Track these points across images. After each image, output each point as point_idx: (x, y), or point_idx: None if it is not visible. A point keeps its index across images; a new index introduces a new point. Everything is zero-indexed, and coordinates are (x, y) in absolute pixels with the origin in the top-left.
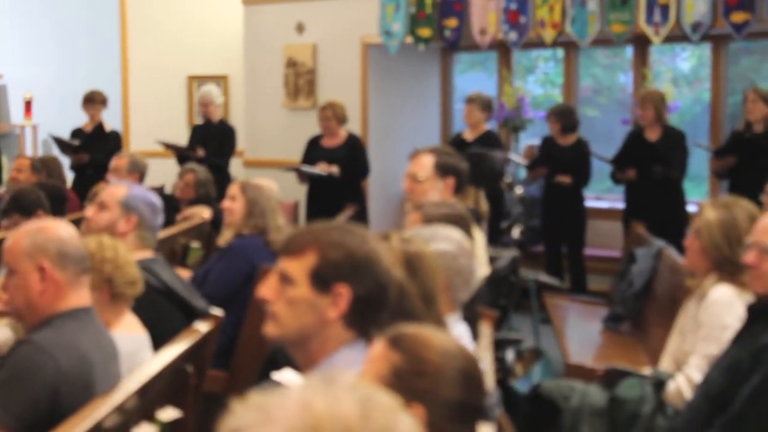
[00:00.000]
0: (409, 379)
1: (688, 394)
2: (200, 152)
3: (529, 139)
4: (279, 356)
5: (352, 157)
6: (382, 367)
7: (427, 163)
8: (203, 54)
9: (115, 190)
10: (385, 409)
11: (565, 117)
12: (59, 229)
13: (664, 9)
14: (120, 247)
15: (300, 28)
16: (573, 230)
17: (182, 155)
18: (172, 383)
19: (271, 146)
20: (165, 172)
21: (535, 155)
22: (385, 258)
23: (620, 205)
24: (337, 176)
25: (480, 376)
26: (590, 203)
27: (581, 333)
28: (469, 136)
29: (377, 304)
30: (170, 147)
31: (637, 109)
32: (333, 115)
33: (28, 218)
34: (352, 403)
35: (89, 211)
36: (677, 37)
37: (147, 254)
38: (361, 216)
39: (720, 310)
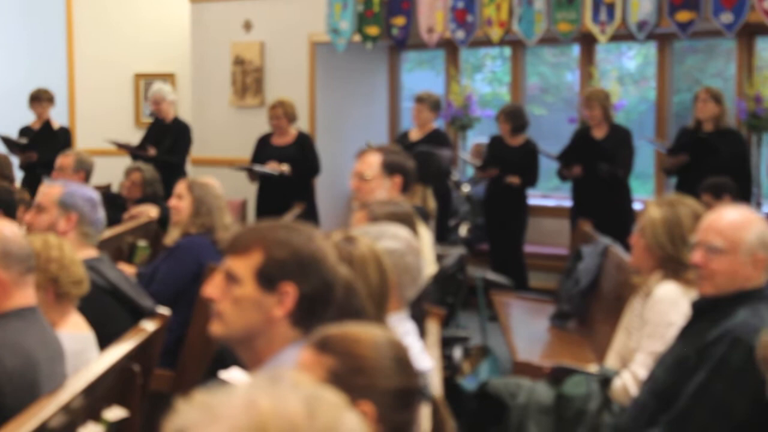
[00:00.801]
0: (349, 379)
1: (633, 390)
2: (151, 151)
3: (477, 138)
4: (226, 355)
5: (303, 155)
6: (317, 373)
7: (374, 162)
8: (150, 52)
9: (50, 190)
10: (331, 406)
11: (515, 118)
12: (2, 228)
13: (610, 8)
14: (66, 247)
15: (247, 26)
16: (513, 228)
17: (134, 155)
18: (119, 382)
19: (218, 144)
20: (112, 171)
21: (484, 155)
22: (331, 256)
23: (567, 203)
24: (288, 175)
25: (410, 358)
26: (537, 201)
27: (528, 330)
28: (416, 134)
29: (323, 302)
30: (122, 147)
31: (583, 110)
32: (283, 113)
33: None
34: (297, 402)
35: (28, 215)
36: (623, 35)
37: (92, 253)
38: (311, 214)
39: (665, 308)
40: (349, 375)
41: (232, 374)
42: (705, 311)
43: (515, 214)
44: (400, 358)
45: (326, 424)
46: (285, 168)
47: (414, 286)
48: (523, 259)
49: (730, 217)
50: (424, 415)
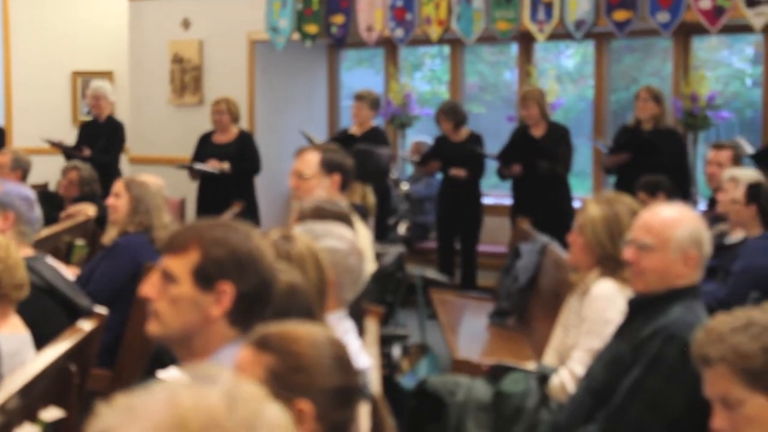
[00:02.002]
0: (289, 377)
1: (571, 387)
2: (86, 152)
3: (416, 136)
4: (164, 355)
5: (243, 153)
6: (256, 372)
7: (312, 161)
8: (88, 50)
9: None
10: (251, 398)
11: (454, 114)
12: None
13: (548, 7)
14: (12, 248)
15: (186, 23)
16: (468, 226)
17: (69, 154)
18: (55, 383)
19: (157, 143)
20: (49, 170)
21: (425, 151)
22: (269, 255)
23: (507, 201)
24: (228, 173)
25: (349, 356)
26: None
27: (468, 328)
28: (355, 132)
29: (261, 301)
30: (57, 146)
31: (521, 109)
32: (226, 109)
33: None
34: (217, 396)
35: None
36: (561, 34)
37: (29, 252)
38: (251, 213)
39: (602, 305)
40: (289, 373)
41: (170, 374)
42: (641, 309)
43: (470, 212)
44: (340, 357)
45: (246, 416)
46: (225, 166)
47: (354, 287)
48: (476, 258)
49: (661, 215)
50: (364, 413)
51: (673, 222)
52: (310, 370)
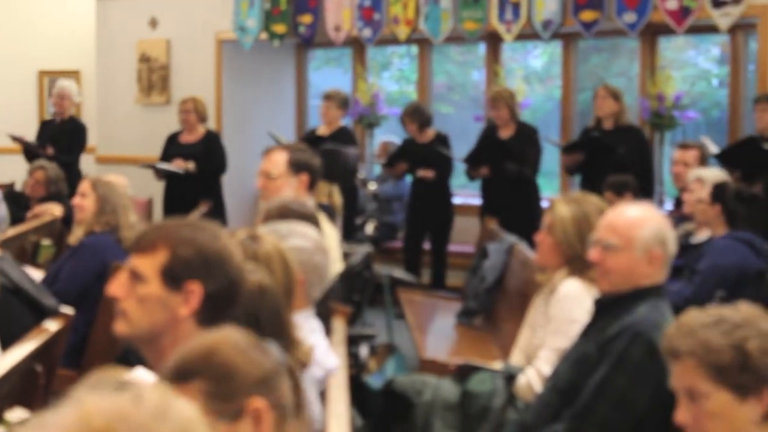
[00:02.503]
0: (224, 389)
1: (537, 387)
2: (50, 150)
3: (384, 136)
4: (131, 355)
5: (209, 153)
6: (195, 400)
7: (280, 160)
8: (55, 49)
9: None
10: (158, 394)
11: (418, 115)
12: None
13: (516, 7)
14: None
15: (153, 23)
16: (439, 226)
17: (31, 151)
18: (21, 383)
19: (124, 142)
20: (15, 169)
21: (392, 151)
22: (237, 255)
23: (476, 201)
24: (194, 172)
25: (257, 340)
26: None
27: (435, 328)
28: (323, 131)
29: (229, 301)
30: (19, 141)
31: (490, 110)
32: (193, 108)
33: None
34: (124, 396)
35: None
36: (529, 35)
37: None
38: (218, 212)
39: (569, 305)
40: (222, 386)
41: (137, 374)
42: (607, 308)
43: (441, 212)
44: (255, 344)
45: (155, 408)
46: (190, 166)
47: (320, 285)
48: (446, 258)
49: (625, 214)
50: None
51: (637, 222)
52: (241, 369)
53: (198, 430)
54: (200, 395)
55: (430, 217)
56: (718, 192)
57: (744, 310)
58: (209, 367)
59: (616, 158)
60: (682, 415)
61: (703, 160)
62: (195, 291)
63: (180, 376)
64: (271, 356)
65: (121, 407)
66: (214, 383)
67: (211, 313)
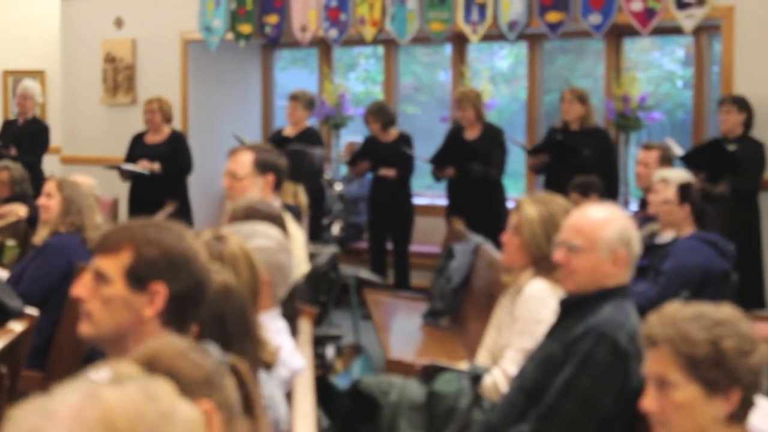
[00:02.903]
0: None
1: (503, 387)
2: (12, 151)
3: (350, 136)
4: (96, 355)
5: (175, 153)
6: None
7: (245, 161)
8: (19, 49)
9: None
10: (166, 393)
11: (381, 114)
12: None
13: (482, 8)
14: None
15: (119, 23)
16: (400, 226)
17: None
18: None
19: (89, 143)
20: None
21: (355, 151)
22: (202, 255)
23: (442, 201)
24: (159, 173)
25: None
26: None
27: (401, 328)
28: (290, 131)
29: (194, 302)
30: None
31: (456, 110)
32: (159, 108)
33: None
34: (137, 390)
35: None
36: (495, 35)
37: None
38: (184, 213)
39: (535, 305)
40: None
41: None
42: (572, 308)
43: (401, 213)
44: (193, 346)
45: (166, 408)
46: (155, 167)
47: (285, 283)
48: (408, 258)
49: (589, 215)
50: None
51: (601, 223)
52: (184, 373)
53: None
54: None
55: (391, 217)
56: (685, 192)
57: (725, 310)
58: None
59: (580, 160)
60: (648, 402)
61: (665, 160)
62: (160, 292)
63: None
64: (210, 357)
65: (139, 405)
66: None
67: (176, 314)
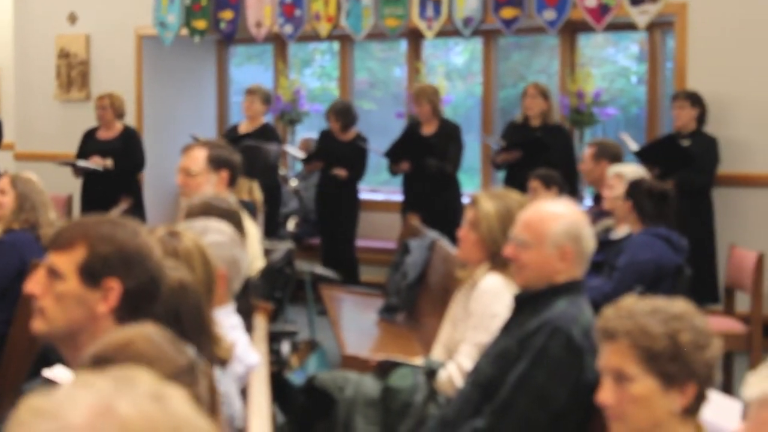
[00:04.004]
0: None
1: (458, 382)
2: None
3: (306, 132)
4: (50, 353)
5: (127, 150)
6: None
7: (199, 157)
8: None
9: None
10: (179, 400)
11: (344, 115)
12: None
13: (437, 4)
14: None
15: (72, 18)
16: (345, 222)
17: None
18: None
19: (43, 139)
20: None
21: (311, 149)
22: (156, 252)
23: (397, 197)
24: (111, 169)
25: (173, 337)
26: (367, 195)
27: (357, 324)
28: (246, 127)
29: (148, 298)
30: None
31: (412, 106)
32: (110, 104)
33: None
34: (151, 402)
35: None
36: (450, 31)
37: None
38: (138, 209)
39: (489, 299)
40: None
41: (57, 372)
42: (526, 303)
43: (346, 209)
44: (170, 339)
45: (179, 417)
46: (108, 163)
47: (239, 278)
48: (355, 254)
49: (538, 211)
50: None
51: (548, 218)
52: (156, 363)
53: None
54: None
55: (336, 213)
56: (632, 188)
57: (680, 304)
58: (123, 357)
59: (547, 157)
60: (605, 395)
61: (599, 156)
62: (113, 288)
63: (96, 363)
64: (185, 354)
65: (153, 416)
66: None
67: (130, 311)
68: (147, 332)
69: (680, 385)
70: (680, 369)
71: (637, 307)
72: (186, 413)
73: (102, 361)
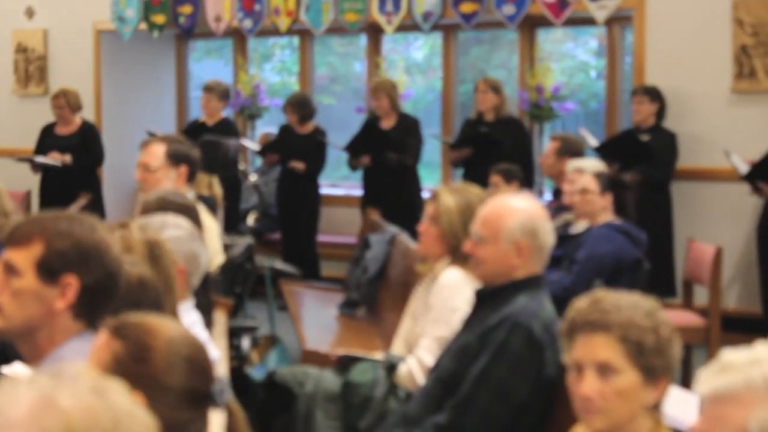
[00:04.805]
0: (132, 366)
1: (419, 376)
2: None
3: (266, 127)
4: (8, 350)
5: (86, 145)
6: (104, 356)
7: (158, 152)
8: None
9: None
10: (120, 393)
11: (301, 107)
12: None
13: None
14: None
15: (30, 12)
16: (306, 217)
17: None
18: None
19: (1, 134)
20: None
21: (268, 142)
22: (114, 247)
23: (357, 192)
24: (70, 165)
25: (207, 362)
26: (327, 190)
27: (318, 319)
28: (206, 122)
29: (107, 294)
30: None
31: (371, 100)
32: (66, 102)
33: None
34: (89, 393)
35: None
36: (410, 26)
37: None
38: (97, 205)
39: (449, 293)
40: (132, 363)
41: (15, 369)
42: (487, 299)
43: (308, 204)
44: (193, 359)
45: (120, 410)
46: (67, 158)
47: (198, 273)
48: (316, 249)
49: (495, 207)
50: (217, 421)
51: (504, 214)
52: (156, 364)
53: None
54: (113, 355)
55: (298, 208)
56: (609, 182)
57: (647, 299)
58: (137, 341)
59: (501, 152)
60: (587, 388)
61: (564, 152)
62: (71, 284)
63: (116, 329)
64: (199, 382)
65: (96, 409)
66: (128, 355)
67: (88, 307)
68: (175, 335)
69: (657, 380)
70: (662, 363)
71: (622, 301)
72: (126, 406)
73: (118, 330)
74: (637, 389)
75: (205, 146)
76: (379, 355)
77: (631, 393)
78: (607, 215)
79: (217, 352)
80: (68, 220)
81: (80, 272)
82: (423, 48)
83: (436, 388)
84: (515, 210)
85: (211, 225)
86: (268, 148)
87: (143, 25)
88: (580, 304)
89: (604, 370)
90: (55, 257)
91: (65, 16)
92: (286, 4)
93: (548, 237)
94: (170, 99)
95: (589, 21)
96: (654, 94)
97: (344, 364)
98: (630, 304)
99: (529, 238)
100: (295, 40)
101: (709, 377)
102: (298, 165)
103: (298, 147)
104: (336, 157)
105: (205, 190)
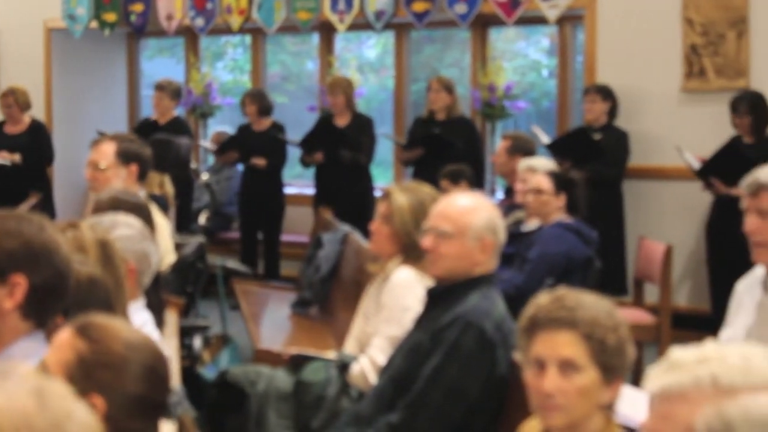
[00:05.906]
0: (93, 369)
1: (371, 375)
2: None
3: (218, 126)
4: None
5: (36, 144)
6: (67, 354)
7: (108, 151)
8: None
9: None
10: (61, 396)
11: (260, 98)
12: None
13: None
14: None
15: None
16: (271, 216)
17: None
18: None
19: None
20: None
21: (225, 140)
22: (64, 247)
23: (310, 190)
24: (19, 164)
25: (165, 372)
26: None
27: (270, 318)
28: (157, 121)
29: (56, 294)
30: None
31: (327, 96)
32: (15, 101)
33: None
34: (26, 395)
35: None
36: (362, 25)
37: None
38: (47, 204)
39: (401, 292)
40: (94, 366)
41: None
42: (439, 298)
43: (272, 203)
44: (153, 368)
45: (57, 414)
46: (16, 158)
47: (149, 272)
48: (279, 248)
49: (458, 202)
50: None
51: (470, 209)
52: (116, 369)
53: None
54: (76, 354)
55: (262, 207)
56: (564, 182)
57: (603, 299)
58: (100, 343)
59: (451, 152)
60: (550, 384)
61: (515, 151)
62: (19, 284)
63: (81, 329)
64: (155, 391)
65: (27, 411)
66: (91, 357)
67: (36, 307)
68: (136, 342)
69: (613, 379)
70: (619, 363)
71: (584, 299)
72: (67, 409)
73: (82, 329)
74: (596, 388)
75: (156, 145)
76: (331, 354)
77: (591, 391)
78: (559, 214)
79: (169, 352)
80: (17, 219)
81: (29, 272)
82: (375, 47)
83: (388, 387)
84: (479, 207)
85: (163, 224)
86: (227, 146)
87: (94, 24)
88: (542, 300)
89: (567, 367)
90: (3, 257)
91: (15, 14)
92: (238, 3)
93: (504, 235)
94: (122, 98)
95: (540, 20)
96: (606, 93)
97: (296, 363)
98: (592, 302)
99: (492, 235)
100: (248, 39)
101: (658, 375)
102: (260, 162)
103: (257, 144)
104: (290, 155)
105: (157, 189)
